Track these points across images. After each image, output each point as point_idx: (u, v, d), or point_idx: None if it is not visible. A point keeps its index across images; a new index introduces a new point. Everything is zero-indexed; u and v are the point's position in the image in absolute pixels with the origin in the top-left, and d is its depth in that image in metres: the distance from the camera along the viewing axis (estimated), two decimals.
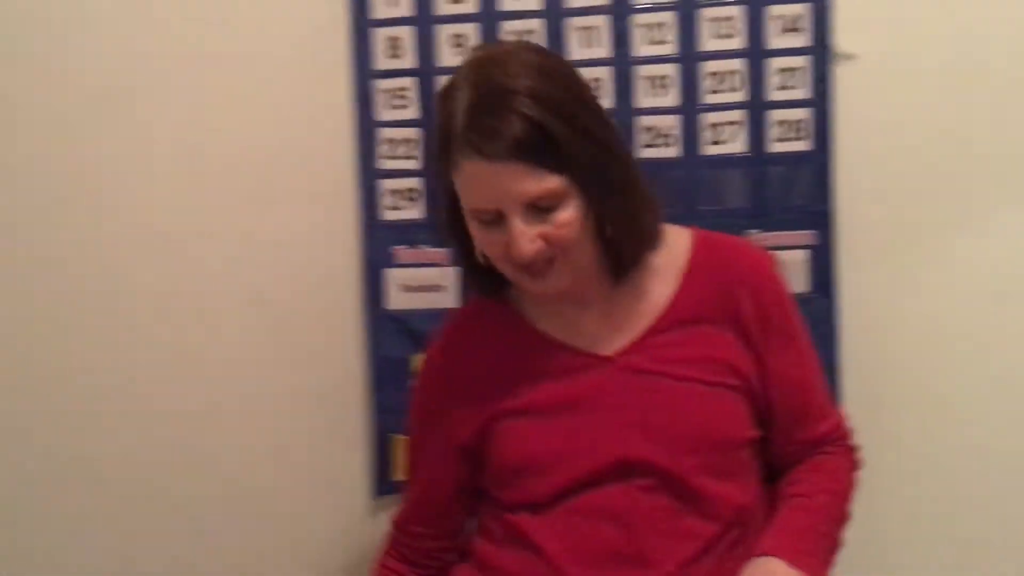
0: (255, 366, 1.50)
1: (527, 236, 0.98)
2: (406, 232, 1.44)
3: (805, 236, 1.39)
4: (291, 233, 1.47)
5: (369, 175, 1.44)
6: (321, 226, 1.47)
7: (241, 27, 1.46)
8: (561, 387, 1.09)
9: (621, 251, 1.06)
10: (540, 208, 0.98)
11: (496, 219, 0.99)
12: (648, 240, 1.08)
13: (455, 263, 1.17)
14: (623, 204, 1.04)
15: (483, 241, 1.03)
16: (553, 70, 1.02)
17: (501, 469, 1.11)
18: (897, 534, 1.43)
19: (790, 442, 1.12)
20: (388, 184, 1.44)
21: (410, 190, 1.44)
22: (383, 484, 1.49)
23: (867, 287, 1.41)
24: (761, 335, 1.09)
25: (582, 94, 1.04)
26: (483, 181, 0.97)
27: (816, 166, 1.38)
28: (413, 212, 1.44)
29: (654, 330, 1.09)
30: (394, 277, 1.45)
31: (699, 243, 1.13)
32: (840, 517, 1.10)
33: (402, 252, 1.45)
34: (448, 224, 1.09)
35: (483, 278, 1.12)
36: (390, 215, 1.45)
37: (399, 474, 1.47)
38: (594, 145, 1.00)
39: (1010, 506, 1.43)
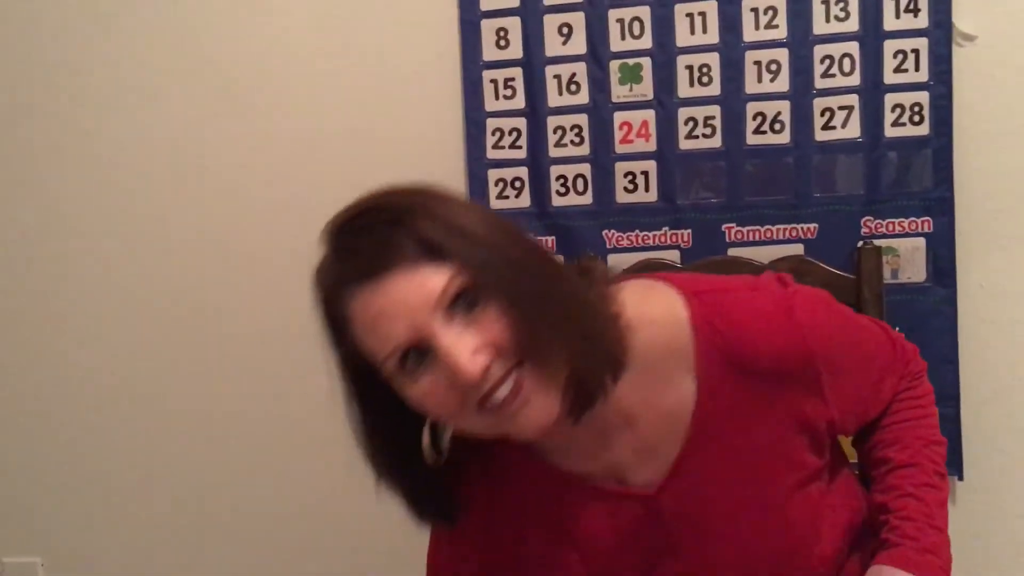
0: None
1: (464, 349, 0.76)
2: (513, 221, 1.45)
3: (922, 223, 1.36)
4: None
5: (478, 165, 1.47)
6: None
7: (355, 23, 1.50)
8: (602, 533, 0.91)
9: (582, 384, 0.81)
10: (462, 310, 0.77)
11: (422, 355, 0.77)
12: (602, 360, 0.82)
13: (409, 491, 0.90)
14: (559, 321, 0.80)
15: (425, 398, 0.79)
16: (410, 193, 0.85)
17: None
18: (1009, 533, 1.39)
19: (866, 423, 1.00)
20: (496, 174, 1.47)
21: (517, 179, 1.46)
22: None
23: (986, 276, 1.37)
24: (814, 388, 0.89)
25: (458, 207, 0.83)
26: (381, 311, 0.77)
27: (934, 151, 1.35)
28: (521, 201, 1.46)
29: (687, 454, 0.89)
30: None
31: (699, 321, 0.87)
32: (942, 460, 0.98)
33: None
34: (382, 438, 0.87)
35: (443, 489, 0.91)
36: (498, 204, 1.47)
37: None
38: (493, 249, 0.79)
39: None
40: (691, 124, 1.40)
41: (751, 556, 0.91)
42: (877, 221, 1.37)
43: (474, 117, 1.46)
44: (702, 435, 0.88)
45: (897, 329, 1.06)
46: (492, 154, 1.46)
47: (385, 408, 0.83)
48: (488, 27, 1.44)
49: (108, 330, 1.63)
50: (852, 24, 1.35)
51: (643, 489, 0.90)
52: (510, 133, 1.46)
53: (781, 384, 0.88)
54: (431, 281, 0.76)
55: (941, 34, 1.33)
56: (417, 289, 0.76)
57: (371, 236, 0.78)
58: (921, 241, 1.36)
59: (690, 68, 1.39)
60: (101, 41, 1.56)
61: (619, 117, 1.43)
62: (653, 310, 0.88)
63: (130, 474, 1.66)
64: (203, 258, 1.58)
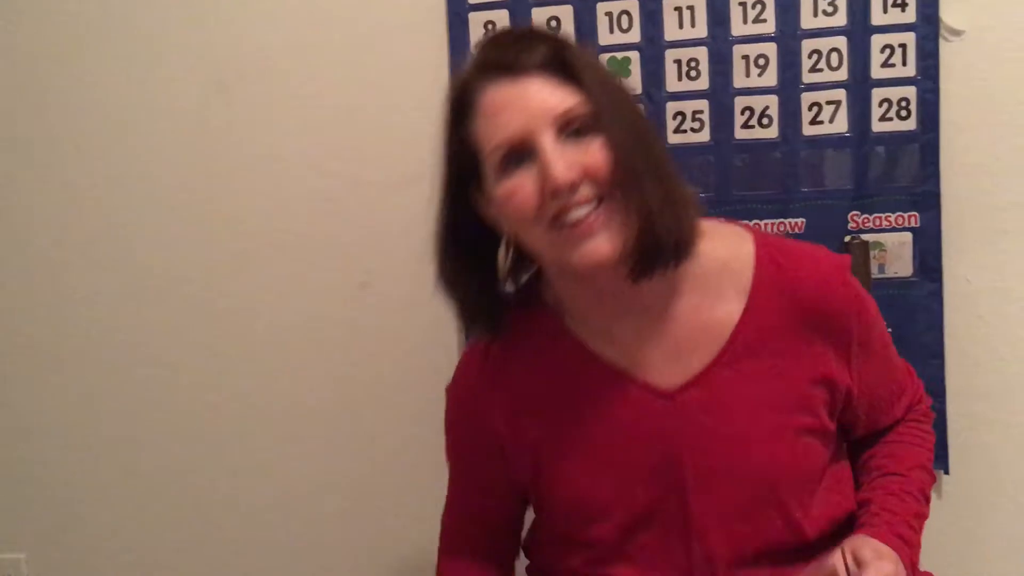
0: (358, 348, 1.55)
1: (563, 158, 0.86)
2: None
3: (909, 218, 1.36)
4: (392, 217, 1.50)
5: None
6: (420, 211, 1.48)
7: (344, 16, 1.48)
8: (619, 421, 0.97)
9: (646, 232, 0.88)
10: (572, 134, 0.87)
11: (524, 156, 0.88)
12: (677, 224, 0.90)
13: (463, 303, 1.00)
14: (647, 172, 0.89)
15: (512, 194, 0.88)
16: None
17: (551, 510, 1.03)
18: (995, 527, 1.40)
19: (872, 431, 1.07)
20: None
21: None
22: None
23: (973, 271, 1.37)
24: (843, 358, 0.97)
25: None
26: (508, 102, 0.88)
27: (921, 146, 1.35)
28: None
29: (719, 363, 0.95)
30: None
31: (764, 254, 0.97)
32: (929, 486, 1.04)
33: None
34: (455, 249, 0.99)
35: (497, 307, 0.99)
36: None
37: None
38: (618, 94, 0.91)
39: None
40: (679, 118, 1.40)
41: (750, 478, 0.95)
42: (864, 216, 1.37)
43: None
44: (737, 351, 0.95)
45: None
46: None
47: (467, 216, 0.95)
48: (476, 20, 1.43)
49: (90, 325, 1.62)
50: (840, 19, 1.35)
51: (664, 387, 0.95)
52: None
53: (818, 332, 0.95)
54: (558, 97, 0.87)
55: (928, 29, 1.34)
56: (545, 98, 0.87)
57: (520, 44, 0.90)
58: (908, 236, 1.36)
59: (678, 62, 1.39)
60: (86, 34, 1.55)
61: None
62: (723, 232, 0.98)
63: (116, 470, 1.65)
64: (186, 250, 1.57)
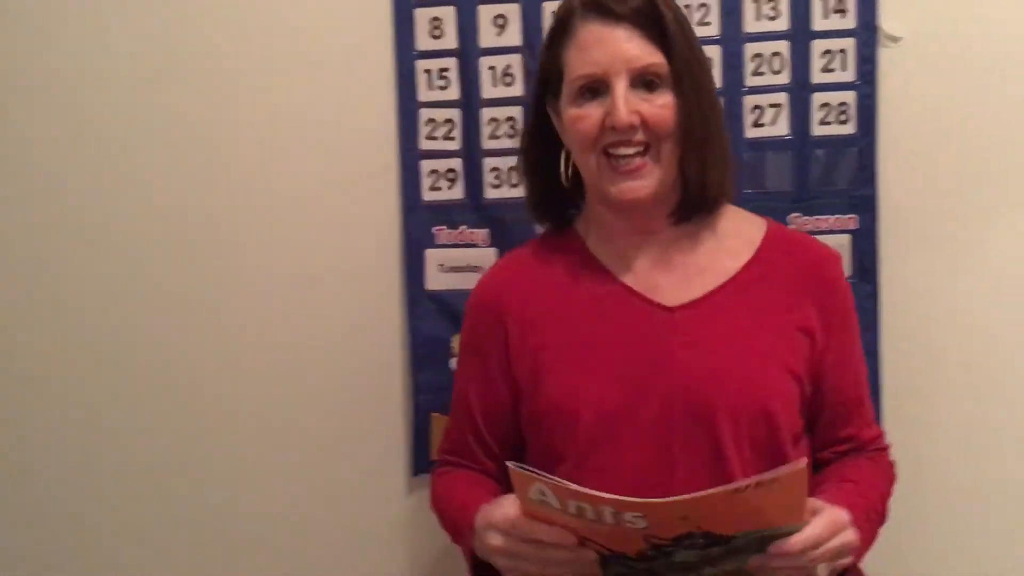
0: (296, 347, 1.52)
1: (628, 103, 1.01)
2: (447, 212, 1.45)
3: (848, 221, 1.38)
4: (333, 214, 1.49)
5: (411, 156, 1.45)
6: (363, 207, 1.48)
7: (285, 11, 1.46)
8: (617, 330, 1.07)
9: (695, 185, 1.06)
10: (644, 84, 1.02)
11: (599, 91, 1.03)
12: (720, 182, 1.08)
13: (530, 192, 1.17)
14: (706, 134, 1.05)
15: (579, 119, 1.04)
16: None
17: (537, 423, 1.10)
18: (934, 522, 1.43)
19: (834, 439, 1.12)
20: (429, 165, 1.45)
21: (450, 171, 1.45)
22: (421, 462, 1.50)
23: (909, 273, 1.40)
24: (824, 326, 1.09)
25: (691, 26, 1.09)
26: (598, 42, 1.02)
27: (860, 150, 1.37)
28: (454, 193, 1.45)
29: (720, 291, 1.08)
30: (434, 257, 1.46)
31: (773, 230, 1.14)
32: (883, 513, 1.09)
33: (442, 232, 1.45)
34: (534, 145, 1.15)
35: (555, 207, 1.16)
36: (431, 196, 1.45)
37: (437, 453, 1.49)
38: (695, 64, 1.05)
39: None
40: None
41: (733, 397, 1.03)
42: (805, 218, 1.39)
43: (407, 107, 1.44)
44: (737, 286, 1.08)
45: None
46: (425, 145, 1.44)
47: (546, 120, 1.11)
48: (422, 16, 1.42)
49: (29, 326, 1.57)
50: (782, 23, 1.37)
51: (668, 303, 1.08)
52: (444, 124, 1.44)
53: (809, 294, 1.08)
54: (641, 50, 1.02)
55: (867, 35, 1.36)
56: (630, 48, 1.01)
57: (616, 4, 1.02)
58: (846, 238, 1.38)
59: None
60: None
61: None
62: (746, 211, 1.17)
63: (74, 471, 1.59)
64: (129, 247, 1.53)
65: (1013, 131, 1.37)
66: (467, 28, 1.42)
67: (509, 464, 0.87)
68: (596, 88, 1.03)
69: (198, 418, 1.55)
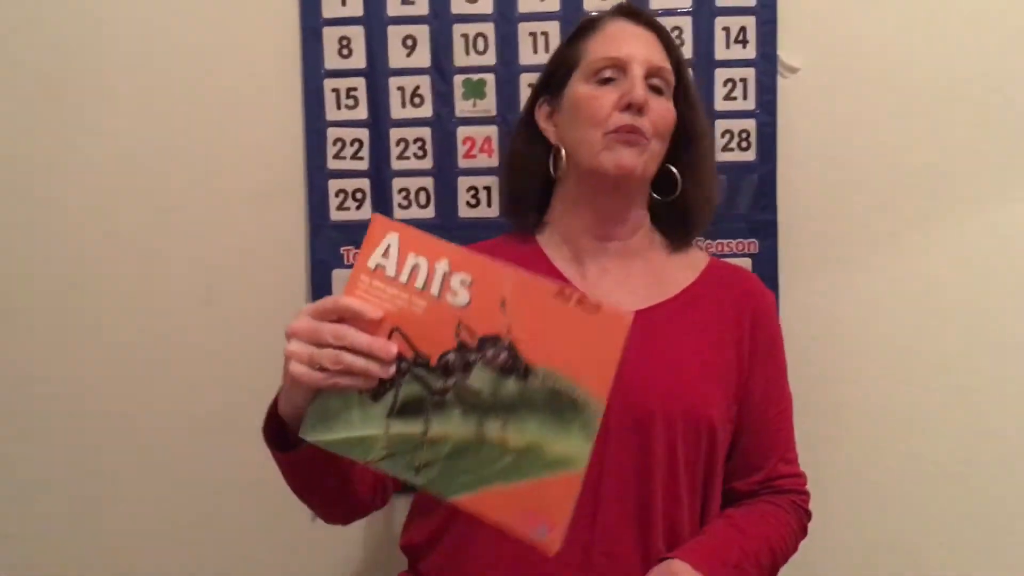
0: (201, 367, 1.48)
1: (644, 85, 1.08)
2: (355, 233, 1.43)
3: (748, 244, 1.42)
4: (240, 232, 1.46)
5: (318, 174, 1.43)
6: (270, 226, 1.45)
7: (193, 25, 1.44)
8: None
9: (683, 216, 1.16)
10: (652, 88, 1.10)
11: (615, 78, 1.10)
12: (707, 215, 1.18)
13: (511, 188, 1.21)
14: (701, 166, 1.15)
15: (594, 98, 1.09)
16: None
17: None
18: (836, 542, 1.46)
19: (748, 467, 1.14)
20: (337, 184, 1.44)
21: (358, 191, 1.44)
22: None
23: (808, 295, 1.44)
24: (751, 353, 1.13)
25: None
26: (623, 35, 1.12)
27: (760, 176, 1.41)
28: (362, 213, 1.43)
29: (663, 305, 1.12)
30: (343, 278, 1.43)
31: (715, 261, 1.21)
32: (770, 564, 1.09)
33: (350, 253, 1.44)
34: (523, 142, 1.19)
35: (529, 207, 1.19)
36: (338, 215, 1.44)
37: None
38: (694, 98, 1.16)
39: (949, 509, 1.47)
40: None
41: (671, 406, 1.05)
42: (708, 242, 1.42)
43: (315, 126, 1.43)
44: (679, 304, 1.13)
45: None
46: (333, 164, 1.43)
47: (534, 126, 1.18)
48: (330, 35, 1.41)
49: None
50: (685, 51, 1.40)
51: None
52: (352, 144, 1.43)
53: (741, 319, 1.14)
54: (659, 55, 1.12)
55: (767, 65, 1.40)
56: (651, 48, 1.12)
57: (645, 11, 1.20)
58: (748, 261, 1.42)
59: (532, 86, 1.41)
60: None
61: (463, 132, 1.43)
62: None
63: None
64: (23, 259, 1.48)
65: (907, 158, 1.43)
66: (376, 48, 1.41)
67: (374, 215, 0.88)
68: (612, 76, 1.10)
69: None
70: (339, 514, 1.09)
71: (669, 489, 1.05)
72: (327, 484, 1.01)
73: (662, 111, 1.10)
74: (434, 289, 0.86)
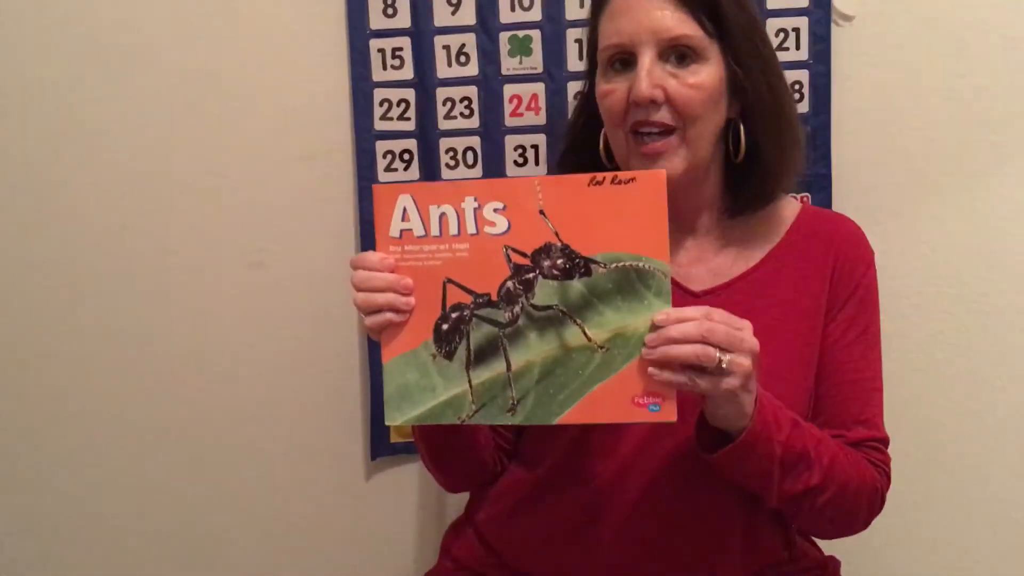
0: (252, 330, 1.50)
1: (651, 76, 0.96)
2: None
3: (801, 199, 1.38)
4: (289, 195, 1.46)
5: (365, 136, 1.43)
6: (319, 188, 1.46)
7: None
8: None
9: (772, 174, 1.04)
10: (676, 58, 0.98)
11: (626, 63, 0.99)
12: (796, 168, 1.07)
13: (569, 169, 1.13)
14: (774, 118, 1.02)
15: (607, 94, 1.00)
16: None
17: None
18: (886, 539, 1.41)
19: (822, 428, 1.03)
20: (384, 145, 1.43)
21: (406, 151, 1.43)
22: (379, 447, 1.49)
23: None
24: (840, 306, 1.06)
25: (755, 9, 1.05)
26: (629, 10, 0.98)
27: (814, 129, 1.38)
28: (410, 174, 1.43)
29: (744, 277, 1.07)
30: None
31: (806, 213, 1.12)
32: (826, 461, 0.96)
33: None
34: (580, 118, 1.12)
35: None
36: (386, 176, 1.44)
37: (395, 436, 1.48)
38: (755, 31, 1.01)
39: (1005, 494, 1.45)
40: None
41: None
42: None
43: (361, 87, 1.42)
44: (765, 268, 1.07)
45: None
46: (380, 125, 1.43)
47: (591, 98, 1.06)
48: None
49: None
50: None
51: (692, 287, 1.06)
52: (398, 104, 1.42)
53: (828, 271, 1.06)
54: (673, 20, 0.96)
55: (821, 13, 1.36)
56: (663, 17, 0.96)
57: None
58: None
59: (579, 42, 1.39)
60: None
61: (509, 90, 1.41)
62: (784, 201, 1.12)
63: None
64: (66, 228, 1.49)
65: (965, 108, 1.38)
66: (421, 7, 1.40)
67: (375, 186, 0.91)
68: (626, 60, 0.99)
69: (154, 407, 1.53)
70: (463, 482, 1.15)
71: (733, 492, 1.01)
72: (454, 449, 1.05)
73: (687, 90, 0.97)
74: (470, 228, 0.87)
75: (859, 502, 1.01)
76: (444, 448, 1.06)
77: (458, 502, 1.23)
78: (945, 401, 1.44)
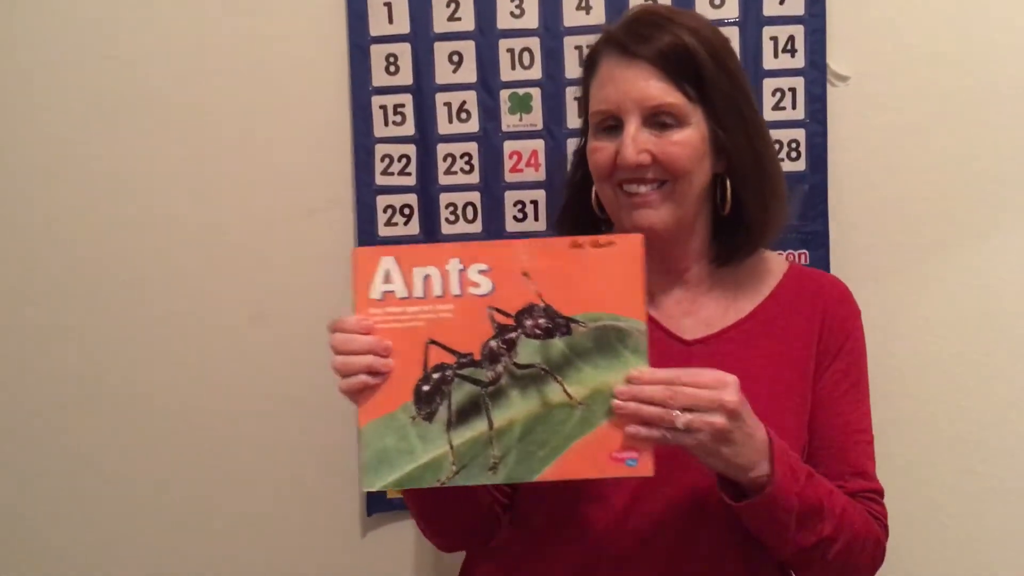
0: (251, 384, 1.50)
1: (636, 142, 1.01)
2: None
3: (799, 256, 1.40)
4: (288, 248, 1.47)
5: (366, 191, 1.44)
6: (319, 242, 1.46)
7: (242, 43, 1.45)
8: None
9: (756, 226, 1.07)
10: (659, 124, 1.02)
11: (614, 127, 1.03)
12: (779, 223, 1.09)
13: (568, 221, 1.17)
14: (755, 175, 1.05)
15: (596, 152, 1.05)
16: (716, 31, 1.07)
17: None
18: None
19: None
20: (384, 200, 1.44)
21: (406, 206, 1.44)
22: (376, 503, 1.48)
23: (861, 308, 1.41)
24: (830, 360, 1.08)
25: (736, 63, 1.07)
26: (614, 78, 1.03)
27: (811, 186, 1.40)
28: (410, 228, 1.44)
29: (734, 328, 1.08)
30: None
31: (795, 268, 1.15)
32: (838, 509, 0.98)
33: None
34: (579, 171, 1.14)
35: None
36: (386, 231, 1.44)
37: (391, 492, 1.47)
38: (738, 94, 1.04)
39: (1008, 526, 1.44)
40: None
41: None
42: None
43: (363, 143, 1.44)
44: (755, 320, 1.09)
45: None
46: (381, 180, 1.44)
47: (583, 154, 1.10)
48: (377, 52, 1.42)
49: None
50: None
51: (686, 339, 1.08)
52: (399, 160, 1.44)
53: (815, 328, 1.08)
54: (659, 89, 1.01)
55: (816, 74, 1.39)
56: (645, 87, 1.01)
57: (647, 31, 1.02)
58: None
59: (579, 99, 1.41)
60: None
61: (509, 146, 1.43)
62: (768, 252, 1.15)
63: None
64: (68, 280, 1.50)
65: (955, 166, 1.40)
66: (423, 64, 1.42)
67: (354, 249, 0.92)
68: (613, 124, 1.04)
69: (151, 435, 1.52)
70: (458, 542, 1.14)
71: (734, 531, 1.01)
72: (444, 509, 1.03)
73: (671, 148, 1.01)
74: (454, 289, 0.89)
75: (865, 554, 1.02)
76: (433, 508, 1.04)
77: (455, 559, 1.22)
78: (945, 461, 1.44)
